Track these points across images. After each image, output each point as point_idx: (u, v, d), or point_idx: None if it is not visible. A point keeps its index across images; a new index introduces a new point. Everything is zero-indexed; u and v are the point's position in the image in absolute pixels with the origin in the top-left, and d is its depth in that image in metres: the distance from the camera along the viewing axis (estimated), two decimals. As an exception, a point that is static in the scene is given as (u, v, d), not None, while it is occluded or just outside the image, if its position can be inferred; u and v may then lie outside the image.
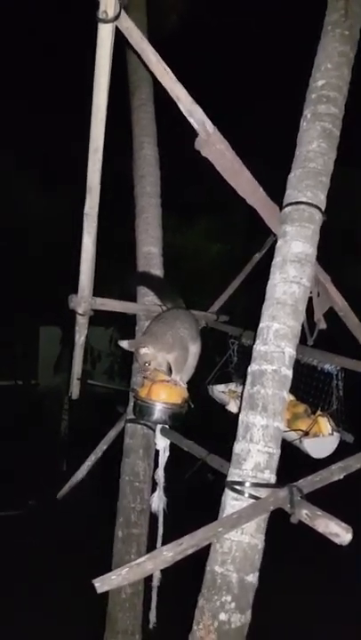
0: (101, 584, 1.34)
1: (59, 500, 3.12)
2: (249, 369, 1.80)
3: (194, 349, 2.57)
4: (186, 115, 1.70)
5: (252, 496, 1.63)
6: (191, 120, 1.71)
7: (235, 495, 1.66)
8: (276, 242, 1.94)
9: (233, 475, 1.70)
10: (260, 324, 1.82)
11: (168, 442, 2.61)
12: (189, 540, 1.50)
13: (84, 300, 2.21)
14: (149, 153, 3.16)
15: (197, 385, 3.26)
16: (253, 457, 1.67)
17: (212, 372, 3.21)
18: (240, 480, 1.66)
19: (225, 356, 3.21)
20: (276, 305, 1.79)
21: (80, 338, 2.40)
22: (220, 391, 3.10)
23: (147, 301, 2.88)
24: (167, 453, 2.63)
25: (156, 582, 2.60)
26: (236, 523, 1.57)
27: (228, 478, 1.70)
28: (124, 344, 2.43)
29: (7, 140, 7.40)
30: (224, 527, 1.56)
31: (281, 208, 1.94)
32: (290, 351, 1.76)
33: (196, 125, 1.72)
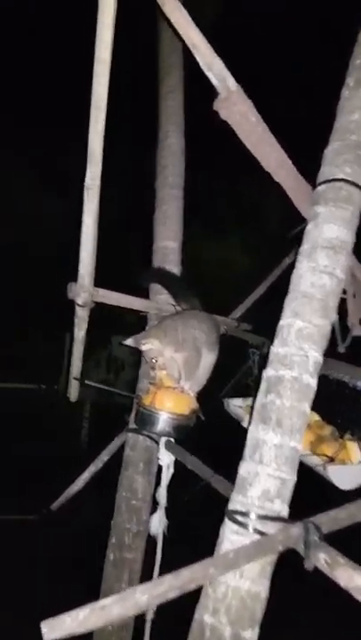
0: (50, 629, 1.05)
1: (57, 510, 2.86)
2: (264, 374, 1.49)
3: (209, 358, 2.27)
4: (204, 69, 1.45)
5: (257, 531, 1.31)
6: (210, 75, 1.45)
7: (235, 528, 1.34)
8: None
9: (235, 502, 1.38)
10: (281, 322, 1.52)
11: (173, 457, 2.31)
12: (172, 580, 1.19)
13: (84, 289, 1.95)
14: (174, 142, 2.92)
15: (212, 396, 2.97)
16: (262, 482, 1.35)
17: (229, 383, 2.90)
18: (243, 510, 1.34)
19: (244, 367, 2.90)
20: (302, 299, 1.48)
21: (79, 333, 2.15)
22: (236, 406, 2.78)
23: (159, 300, 2.61)
24: (172, 470, 2.32)
25: (150, 616, 2.27)
26: (235, 563, 1.25)
27: (230, 506, 1.38)
28: (129, 341, 2.17)
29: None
30: (218, 567, 1.24)
31: (314, 187, 1.65)
32: (315, 355, 1.44)
33: (215, 81, 1.45)
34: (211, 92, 1.46)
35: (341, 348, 1.84)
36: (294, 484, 1.40)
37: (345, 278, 1.53)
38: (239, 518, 1.33)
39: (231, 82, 1.45)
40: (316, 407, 2.46)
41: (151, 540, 2.35)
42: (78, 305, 2.00)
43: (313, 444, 2.23)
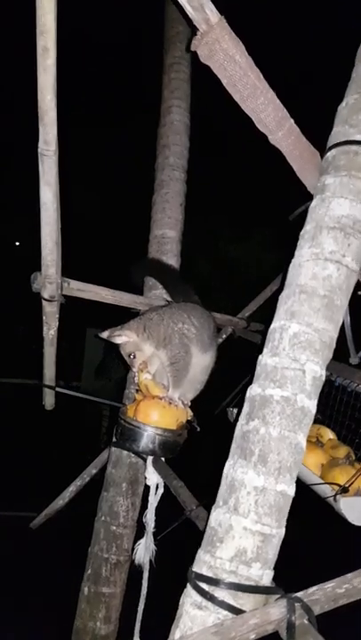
0: None
1: (33, 527, 2.58)
2: (247, 393, 1.15)
3: (203, 360, 1.93)
4: (178, -4, 1.11)
5: (225, 606, 0.97)
6: (184, 3, 1.11)
7: (199, 599, 1.00)
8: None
9: (201, 563, 1.04)
10: (272, 325, 1.17)
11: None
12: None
13: (50, 280, 1.65)
14: (177, 118, 2.60)
15: (214, 405, 2.63)
16: (236, 538, 1.01)
17: (234, 391, 2.55)
18: (210, 575, 1.00)
19: (252, 373, 2.54)
20: (299, 295, 1.13)
21: (49, 332, 1.84)
22: (240, 417, 2.43)
23: (153, 295, 2.29)
24: (161, 491, 2.00)
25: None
26: (191, 653, 0.92)
27: (194, 567, 1.05)
28: (105, 334, 1.87)
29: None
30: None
31: (323, 153, 1.29)
32: (314, 370, 1.09)
33: (191, 12, 1.12)
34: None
35: (354, 359, 1.47)
36: (281, 540, 1.05)
37: (360, 269, 1.17)
38: (204, 586, 1.00)
39: (212, 12, 1.11)
40: (329, 423, 2.09)
41: (135, 572, 2.04)
42: (44, 299, 1.70)
43: (324, 469, 1.87)
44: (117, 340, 1.79)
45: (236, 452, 1.08)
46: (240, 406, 2.56)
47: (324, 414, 2.12)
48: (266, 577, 1.02)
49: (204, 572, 1.01)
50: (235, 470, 1.06)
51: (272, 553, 1.03)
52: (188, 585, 1.03)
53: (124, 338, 1.77)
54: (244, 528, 1.01)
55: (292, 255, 1.22)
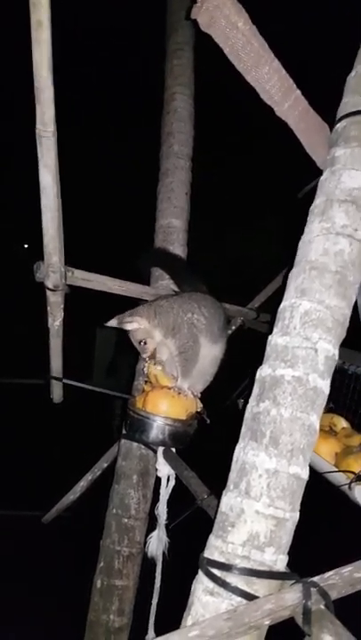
0: None
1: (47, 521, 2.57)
2: (257, 374, 1.11)
3: (212, 350, 1.89)
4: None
5: (239, 592, 0.94)
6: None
7: (211, 585, 0.97)
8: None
9: (212, 549, 1.00)
10: (282, 303, 1.13)
11: (173, 468, 1.95)
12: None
13: (54, 269, 1.62)
14: (181, 105, 2.56)
15: (223, 396, 2.59)
16: (248, 522, 0.97)
17: (245, 381, 2.52)
18: (222, 560, 0.97)
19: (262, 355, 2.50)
20: (310, 272, 1.09)
21: (54, 323, 1.81)
22: (251, 407, 2.39)
23: (160, 286, 2.25)
24: (172, 483, 1.96)
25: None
26: (204, 640, 0.88)
27: (205, 553, 1.01)
28: (112, 322, 1.83)
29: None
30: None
31: (332, 126, 1.24)
32: (327, 348, 1.05)
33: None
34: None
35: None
36: (295, 524, 1.01)
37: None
38: (216, 572, 0.96)
39: (213, -22, 1.07)
40: (342, 410, 2.04)
41: (148, 564, 2.01)
42: (49, 289, 1.68)
43: (338, 457, 1.82)
44: (128, 327, 1.74)
45: (247, 435, 1.04)
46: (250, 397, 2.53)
47: (338, 403, 2.07)
48: (280, 562, 0.98)
49: (216, 557, 0.98)
50: (245, 453, 1.02)
51: (286, 537, 0.99)
52: (200, 571, 1.00)
53: (134, 324, 1.73)
54: (257, 512, 0.97)
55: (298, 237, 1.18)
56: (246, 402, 1.12)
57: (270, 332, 2.40)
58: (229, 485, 1.03)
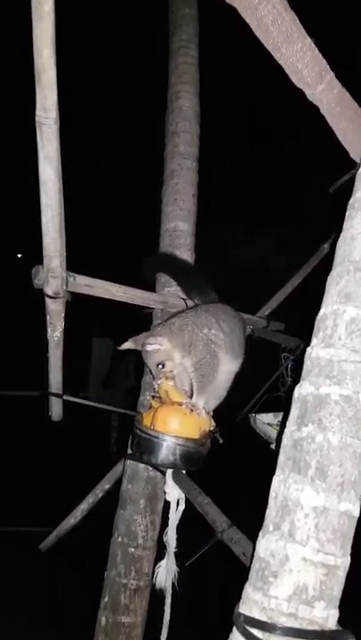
0: None
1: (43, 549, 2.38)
2: (295, 393, 0.96)
3: (230, 366, 1.76)
4: None
5: (285, 658, 0.78)
6: None
7: (250, 649, 0.80)
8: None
9: (250, 603, 0.84)
10: (322, 310, 0.98)
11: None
12: None
13: (54, 274, 1.46)
14: (187, 104, 2.43)
15: (236, 411, 2.43)
16: (294, 572, 0.81)
17: (257, 395, 2.36)
18: (263, 619, 0.81)
19: (274, 376, 2.36)
20: (355, 273, 0.94)
21: (54, 333, 1.65)
22: (265, 423, 2.23)
23: (167, 293, 2.10)
24: (182, 507, 1.80)
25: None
26: None
27: (241, 608, 0.85)
28: (128, 344, 1.68)
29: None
30: None
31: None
32: (379, 362, 0.90)
33: None
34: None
35: None
36: (346, 571, 0.85)
37: None
38: (256, 633, 0.80)
39: None
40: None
41: (157, 597, 1.84)
42: (48, 296, 1.52)
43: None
44: (149, 349, 1.60)
45: (287, 465, 0.89)
46: (262, 411, 2.37)
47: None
48: (332, 618, 0.82)
49: (256, 614, 0.82)
50: (287, 487, 0.86)
51: (338, 588, 0.83)
52: (235, 630, 0.84)
53: (156, 346, 1.58)
54: (304, 559, 0.81)
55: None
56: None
57: (285, 344, 2.22)
58: (268, 526, 0.87)
